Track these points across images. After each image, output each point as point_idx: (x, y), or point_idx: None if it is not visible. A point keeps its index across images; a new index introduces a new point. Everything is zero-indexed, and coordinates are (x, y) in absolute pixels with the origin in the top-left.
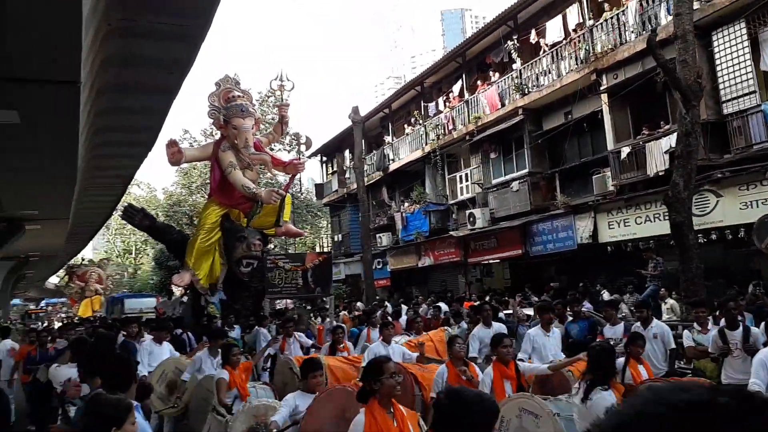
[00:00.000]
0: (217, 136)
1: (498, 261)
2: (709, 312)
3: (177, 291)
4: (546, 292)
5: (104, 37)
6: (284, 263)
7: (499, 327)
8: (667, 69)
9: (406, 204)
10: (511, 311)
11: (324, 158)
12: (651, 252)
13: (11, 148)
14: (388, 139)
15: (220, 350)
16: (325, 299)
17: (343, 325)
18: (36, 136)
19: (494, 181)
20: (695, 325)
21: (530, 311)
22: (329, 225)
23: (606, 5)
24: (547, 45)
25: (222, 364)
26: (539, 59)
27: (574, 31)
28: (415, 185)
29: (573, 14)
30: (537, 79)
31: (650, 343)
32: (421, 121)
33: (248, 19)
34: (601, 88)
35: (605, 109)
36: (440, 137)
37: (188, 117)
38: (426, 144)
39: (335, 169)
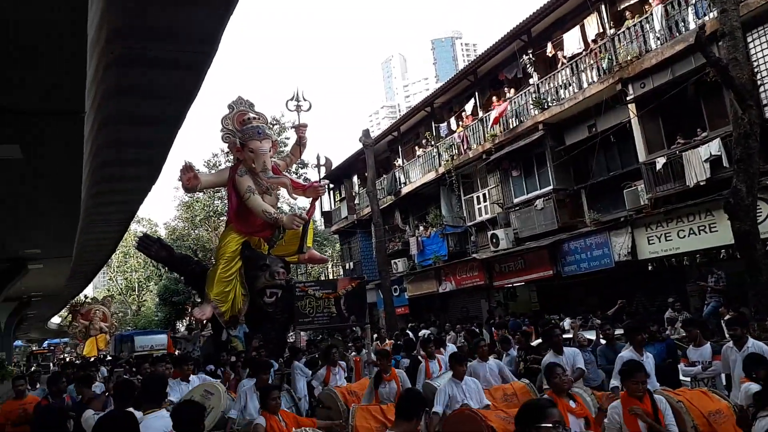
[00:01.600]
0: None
1: (524, 283)
2: None
3: (181, 326)
4: (618, 313)
5: (106, 67)
6: (315, 291)
7: (573, 352)
8: (720, 67)
9: (422, 228)
10: (570, 335)
11: (331, 185)
12: (700, 267)
13: (13, 183)
14: (398, 162)
15: None
16: (356, 328)
17: (387, 349)
18: (38, 170)
19: (516, 200)
20: None
21: (591, 335)
22: (339, 253)
23: (628, 13)
24: (565, 57)
25: (259, 408)
26: (558, 72)
27: (594, 41)
28: (430, 208)
29: (592, 24)
30: (556, 92)
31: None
32: (433, 143)
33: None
34: (628, 98)
35: (634, 119)
36: (454, 158)
37: (194, 145)
38: (440, 165)
39: (344, 195)
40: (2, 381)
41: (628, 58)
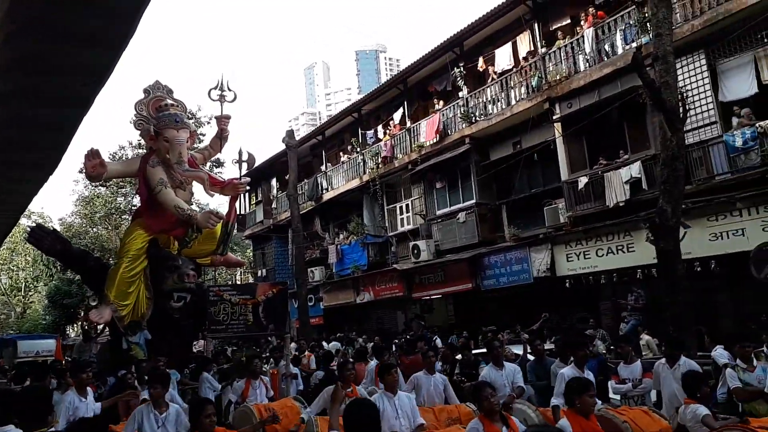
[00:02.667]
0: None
1: (441, 296)
2: (752, 349)
3: (72, 332)
4: (542, 327)
5: (8, 37)
6: (231, 296)
7: (513, 368)
8: (654, 88)
9: (342, 236)
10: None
11: (247, 187)
12: (616, 285)
13: None
14: (322, 167)
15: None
16: (272, 338)
17: (351, 360)
18: None
19: (439, 212)
20: (739, 362)
21: (518, 350)
22: (250, 259)
23: (560, 33)
24: (495, 72)
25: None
26: (487, 87)
27: (525, 59)
28: (351, 216)
29: (524, 42)
30: (485, 107)
31: (677, 383)
32: (358, 149)
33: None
34: (554, 117)
35: (559, 139)
36: (380, 166)
37: (98, 136)
38: (364, 173)
39: (260, 198)
40: None
41: (557, 77)
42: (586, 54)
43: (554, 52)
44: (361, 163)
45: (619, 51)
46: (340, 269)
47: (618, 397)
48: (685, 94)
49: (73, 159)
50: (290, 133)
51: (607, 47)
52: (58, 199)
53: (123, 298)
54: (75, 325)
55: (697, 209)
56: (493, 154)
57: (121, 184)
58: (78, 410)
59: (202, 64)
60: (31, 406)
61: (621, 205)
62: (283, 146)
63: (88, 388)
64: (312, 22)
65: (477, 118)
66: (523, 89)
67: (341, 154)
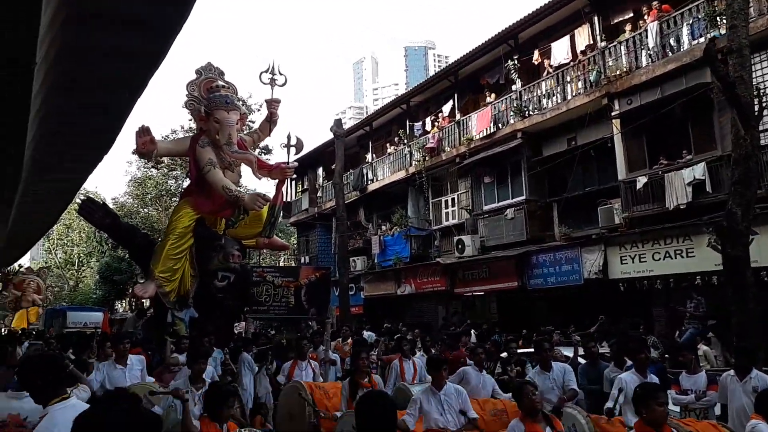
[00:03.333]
0: None
1: (483, 293)
2: None
3: (120, 307)
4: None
5: (63, 23)
6: (274, 277)
7: (562, 368)
8: (728, 83)
9: (385, 227)
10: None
11: (294, 175)
12: (673, 291)
13: None
14: (368, 158)
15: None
16: (312, 323)
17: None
18: None
19: (486, 207)
20: None
21: (569, 351)
22: (294, 245)
23: (628, 25)
24: (551, 66)
25: (203, 410)
26: (542, 80)
27: (583, 53)
28: (395, 208)
29: (583, 35)
30: (539, 101)
31: (747, 397)
32: (405, 141)
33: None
34: (613, 114)
35: (617, 136)
36: (426, 159)
37: (151, 120)
38: (410, 165)
39: (306, 186)
40: None
41: (617, 72)
42: (649, 49)
43: (615, 46)
44: (408, 155)
45: (685, 46)
46: (382, 260)
47: (677, 408)
48: (762, 91)
49: (127, 141)
50: (338, 122)
51: (672, 42)
52: (113, 179)
53: (168, 274)
54: (123, 301)
55: (766, 215)
56: (546, 149)
57: (172, 166)
58: (114, 377)
59: (252, 56)
60: (49, 376)
61: (682, 207)
62: (330, 136)
63: (131, 357)
64: (362, 17)
65: (530, 113)
66: (580, 84)
67: (388, 145)
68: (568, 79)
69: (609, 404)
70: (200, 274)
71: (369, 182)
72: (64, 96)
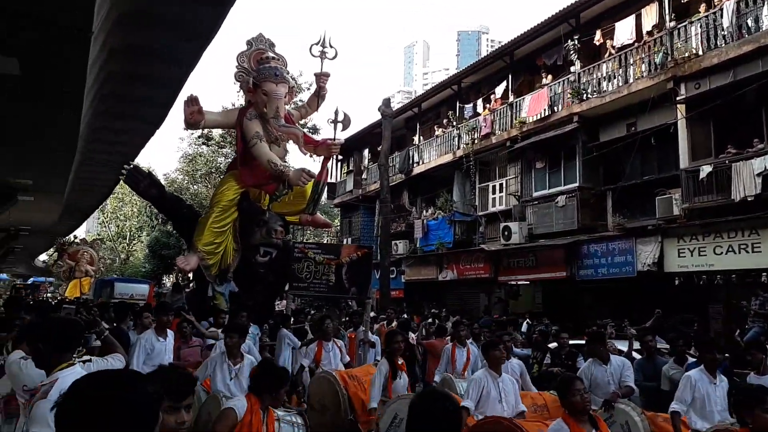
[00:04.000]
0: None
1: (528, 282)
2: None
3: (168, 281)
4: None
5: None
6: (315, 254)
7: (620, 362)
8: None
9: (429, 211)
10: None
11: (339, 156)
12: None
13: (8, 101)
14: (414, 140)
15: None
16: (352, 302)
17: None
18: (36, 91)
19: (535, 194)
20: None
21: (623, 345)
22: (337, 227)
23: (702, 5)
24: (614, 47)
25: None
26: (603, 62)
27: (650, 33)
28: (441, 192)
29: (650, 15)
30: (598, 84)
31: None
32: (455, 123)
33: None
34: (678, 98)
35: (681, 121)
36: (475, 142)
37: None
38: (458, 148)
39: (351, 168)
40: None
41: (686, 54)
42: (723, 29)
43: (685, 26)
44: (456, 138)
45: (765, 27)
46: (425, 245)
47: None
48: None
49: (179, 117)
50: (386, 102)
51: (749, 22)
52: (166, 155)
53: (211, 247)
54: (170, 275)
55: None
56: (603, 135)
57: (221, 144)
58: (155, 350)
59: (303, 36)
60: (62, 337)
61: (749, 199)
62: (377, 118)
63: (169, 331)
64: (416, 1)
65: (589, 95)
66: (644, 66)
67: (436, 128)
68: (632, 61)
69: (675, 406)
70: (243, 248)
71: (415, 165)
72: (119, 64)
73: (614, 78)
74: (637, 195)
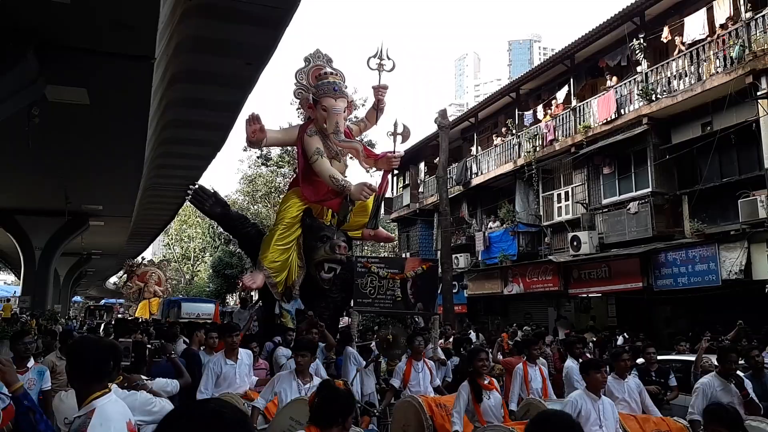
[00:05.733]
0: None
1: (600, 295)
2: None
3: (231, 300)
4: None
5: (182, 16)
6: (379, 269)
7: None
8: None
9: (492, 222)
10: (686, 357)
11: (395, 170)
12: None
13: (78, 132)
14: (472, 150)
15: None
16: (419, 318)
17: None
18: (104, 119)
19: (605, 201)
20: None
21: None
22: (396, 242)
23: None
24: (683, 44)
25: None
26: (673, 60)
27: (723, 26)
28: (501, 203)
29: (723, 7)
30: (668, 83)
31: None
32: (514, 131)
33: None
34: (759, 93)
35: (764, 118)
36: (537, 149)
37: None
38: (519, 156)
39: (407, 182)
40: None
41: (765, 46)
42: None
43: (763, 16)
44: (516, 147)
45: None
46: (487, 258)
47: None
48: None
49: (239, 139)
50: (443, 113)
51: None
52: (226, 177)
53: (276, 264)
54: (234, 294)
55: None
56: (675, 136)
57: (280, 164)
58: (222, 373)
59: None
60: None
61: None
62: (431, 131)
63: (241, 351)
64: (464, 14)
65: (658, 96)
66: (718, 62)
67: (494, 137)
68: (704, 56)
69: None
70: (306, 265)
71: (473, 176)
72: (180, 90)
73: (686, 76)
74: (716, 198)
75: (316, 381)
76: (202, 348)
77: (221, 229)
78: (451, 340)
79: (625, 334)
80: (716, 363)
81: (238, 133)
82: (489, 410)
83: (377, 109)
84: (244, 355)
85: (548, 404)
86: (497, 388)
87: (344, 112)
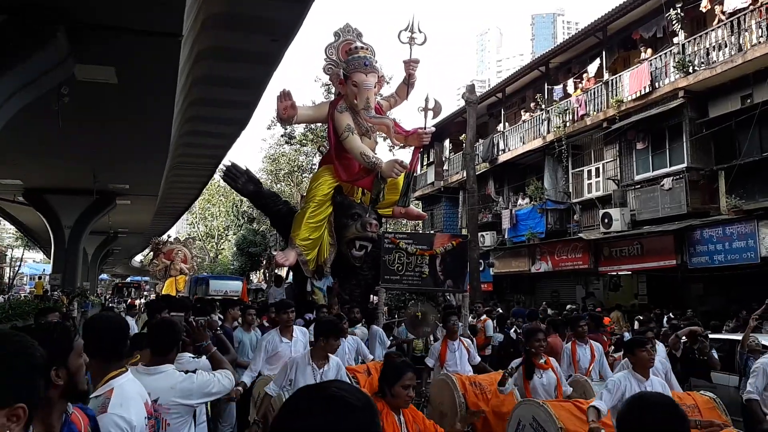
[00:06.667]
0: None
1: (630, 273)
2: None
3: (255, 278)
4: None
5: None
6: (407, 245)
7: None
8: None
9: (521, 200)
10: (728, 336)
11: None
12: None
13: (106, 110)
14: (499, 127)
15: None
16: (450, 296)
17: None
18: (131, 98)
19: (637, 177)
20: None
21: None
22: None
23: None
24: (724, 13)
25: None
26: (712, 30)
27: None
28: (530, 180)
29: None
30: (707, 54)
31: None
32: (543, 106)
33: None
34: None
35: None
36: (567, 124)
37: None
38: (548, 132)
39: (432, 160)
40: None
41: None
42: None
43: None
44: (545, 122)
45: None
46: (514, 236)
47: None
48: None
49: (262, 118)
50: (470, 88)
51: None
52: (250, 156)
53: (308, 242)
54: (257, 272)
55: None
56: (713, 110)
57: (303, 142)
58: (280, 351)
59: (374, 29)
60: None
61: None
62: (455, 108)
63: (296, 328)
64: None
65: (695, 68)
66: (761, 31)
67: (522, 113)
68: (745, 26)
69: None
70: (338, 242)
71: (500, 153)
72: (206, 68)
73: (725, 47)
74: (755, 173)
75: (333, 362)
76: (235, 325)
77: (245, 208)
78: (483, 317)
79: (670, 314)
80: (764, 343)
81: (261, 111)
82: (539, 389)
83: (408, 83)
84: (299, 333)
85: (594, 384)
86: (555, 369)
87: (375, 87)
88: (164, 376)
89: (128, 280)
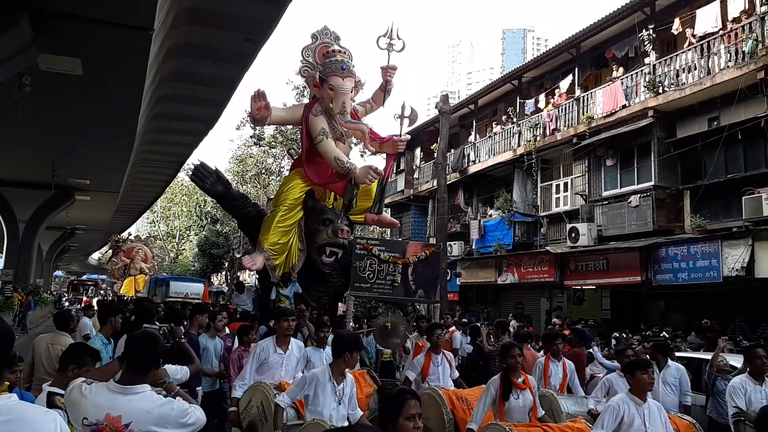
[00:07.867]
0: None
1: (594, 288)
2: None
3: (216, 280)
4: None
5: None
6: (379, 251)
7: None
8: None
9: (490, 211)
10: (701, 356)
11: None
12: None
13: (69, 102)
14: (471, 138)
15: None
16: (420, 306)
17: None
18: (97, 91)
19: (605, 194)
20: None
21: (737, 361)
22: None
23: None
24: (694, 36)
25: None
26: (683, 53)
27: (736, 20)
28: (500, 192)
29: (738, 0)
30: (677, 76)
31: None
32: (514, 119)
33: None
34: None
35: None
36: (538, 138)
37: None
38: (518, 145)
39: (402, 167)
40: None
41: None
42: None
43: None
44: (516, 135)
45: None
46: (481, 246)
47: None
48: None
49: (230, 118)
50: (444, 98)
51: None
52: (216, 156)
53: (277, 247)
54: (219, 274)
55: None
56: (681, 130)
57: (272, 144)
58: (271, 362)
59: (350, 36)
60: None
61: None
62: (426, 118)
63: (293, 340)
64: (460, 0)
65: (665, 89)
66: (729, 56)
67: (493, 125)
68: (715, 50)
69: None
70: (307, 248)
71: (470, 164)
72: (176, 64)
73: (695, 69)
74: (720, 194)
75: (349, 379)
76: (200, 332)
77: (208, 208)
78: (452, 329)
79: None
80: (731, 364)
81: (229, 111)
82: (514, 411)
83: (385, 90)
84: (295, 346)
85: (561, 399)
86: (532, 389)
87: (351, 92)
88: (140, 398)
89: (84, 277)
